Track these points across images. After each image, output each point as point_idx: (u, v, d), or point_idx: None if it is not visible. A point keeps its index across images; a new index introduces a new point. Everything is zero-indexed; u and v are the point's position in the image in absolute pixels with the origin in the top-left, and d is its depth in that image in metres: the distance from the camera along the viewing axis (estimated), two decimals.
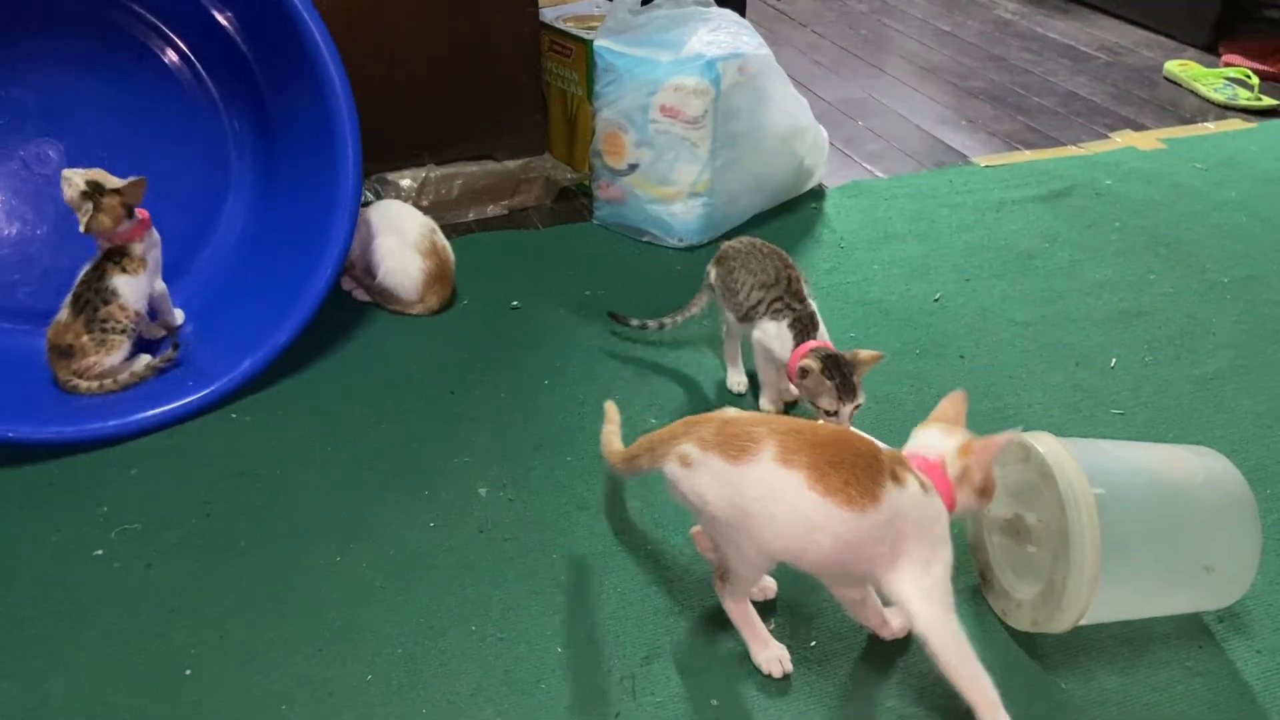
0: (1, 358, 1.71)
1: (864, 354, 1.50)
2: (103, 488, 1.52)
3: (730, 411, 1.20)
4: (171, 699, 1.21)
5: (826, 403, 1.49)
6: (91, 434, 1.59)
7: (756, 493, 1.12)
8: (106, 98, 1.87)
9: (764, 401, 1.71)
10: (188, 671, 1.24)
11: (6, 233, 1.83)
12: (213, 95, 1.94)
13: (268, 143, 1.93)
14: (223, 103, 1.95)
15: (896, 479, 1.13)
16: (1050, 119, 2.89)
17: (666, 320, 1.80)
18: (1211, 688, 1.25)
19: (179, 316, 1.82)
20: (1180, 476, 1.30)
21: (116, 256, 1.68)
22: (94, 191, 1.62)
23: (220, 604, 1.34)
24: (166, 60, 1.91)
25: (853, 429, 1.22)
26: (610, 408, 1.38)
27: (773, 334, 1.61)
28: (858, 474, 1.11)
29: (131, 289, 1.68)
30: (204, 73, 1.93)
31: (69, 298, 1.66)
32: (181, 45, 1.92)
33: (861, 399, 1.50)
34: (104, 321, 1.65)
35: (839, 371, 1.48)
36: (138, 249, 1.69)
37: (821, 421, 1.49)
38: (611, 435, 1.35)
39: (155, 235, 1.72)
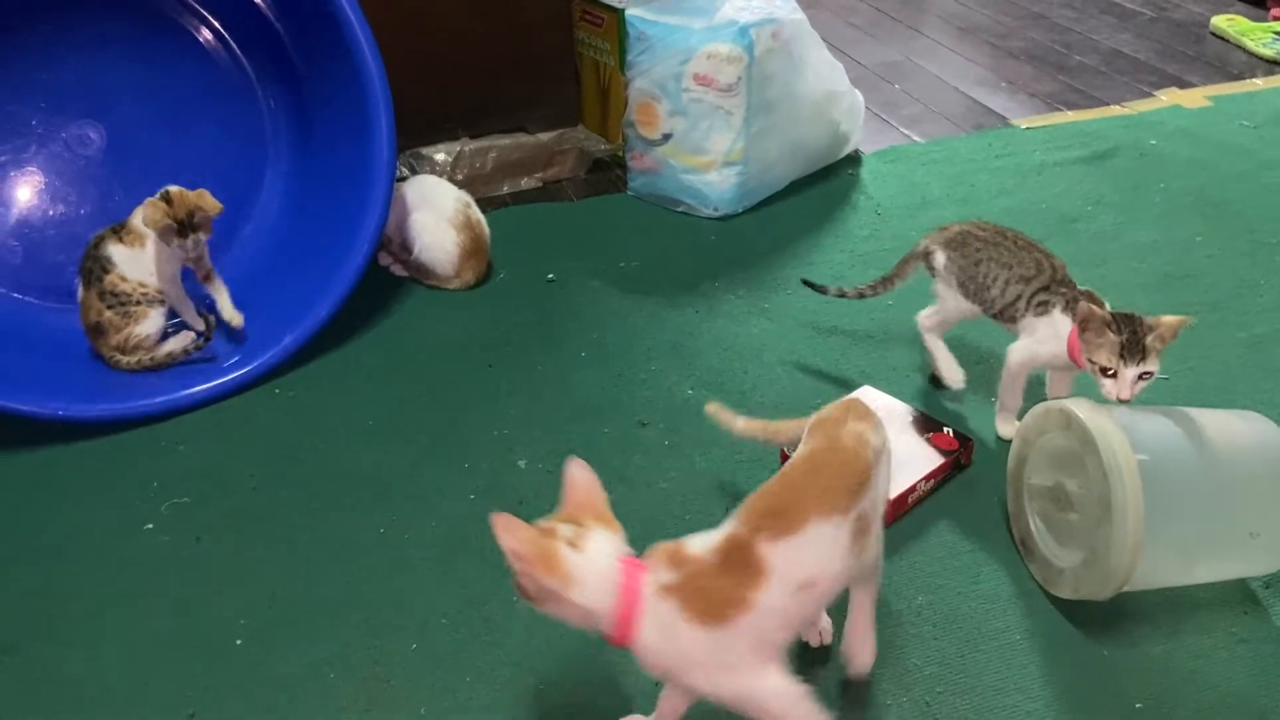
0: (51, 337, 1.75)
1: (1169, 318, 1.30)
2: (153, 463, 1.56)
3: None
4: (222, 668, 1.24)
5: (1104, 357, 1.31)
6: (140, 411, 1.62)
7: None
8: (144, 78, 1.90)
9: (1001, 426, 1.56)
10: (238, 641, 1.27)
11: (51, 214, 1.87)
12: (248, 73, 1.96)
13: (303, 120, 1.94)
14: (258, 81, 1.96)
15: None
16: (1093, 78, 2.83)
17: (866, 289, 1.70)
18: (1257, 654, 1.23)
19: (199, 324, 1.79)
20: (1226, 441, 1.28)
21: (117, 226, 1.70)
22: (163, 198, 1.66)
23: (268, 575, 1.37)
24: (202, 39, 1.93)
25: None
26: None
27: (1044, 336, 1.43)
28: None
29: (127, 260, 1.69)
30: (239, 51, 1.95)
31: (81, 273, 1.70)
32: (216, 24, 1.93)
33: (1153, 366, 1.30)
34: (114, 294, 1.67)
35: (1128, 326, 1.30)
36: (138, 224, 1.69)
37: (1101, 383, 1.32)
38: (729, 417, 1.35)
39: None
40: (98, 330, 1.69)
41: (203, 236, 1.68)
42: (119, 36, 1.87)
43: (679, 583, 0.96)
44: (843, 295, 1.74)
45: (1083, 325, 1.33)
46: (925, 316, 1.65)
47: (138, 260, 1.70)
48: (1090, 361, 1.33)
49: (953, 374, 1.63)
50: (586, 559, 0.96)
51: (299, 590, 1.34)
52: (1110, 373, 1.31)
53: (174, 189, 1.67)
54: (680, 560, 0.99)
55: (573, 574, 0.95)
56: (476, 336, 1.83)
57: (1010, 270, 1.49)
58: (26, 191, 1.85)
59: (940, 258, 1.58)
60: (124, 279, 1.68)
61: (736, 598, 0.95)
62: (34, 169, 1.86)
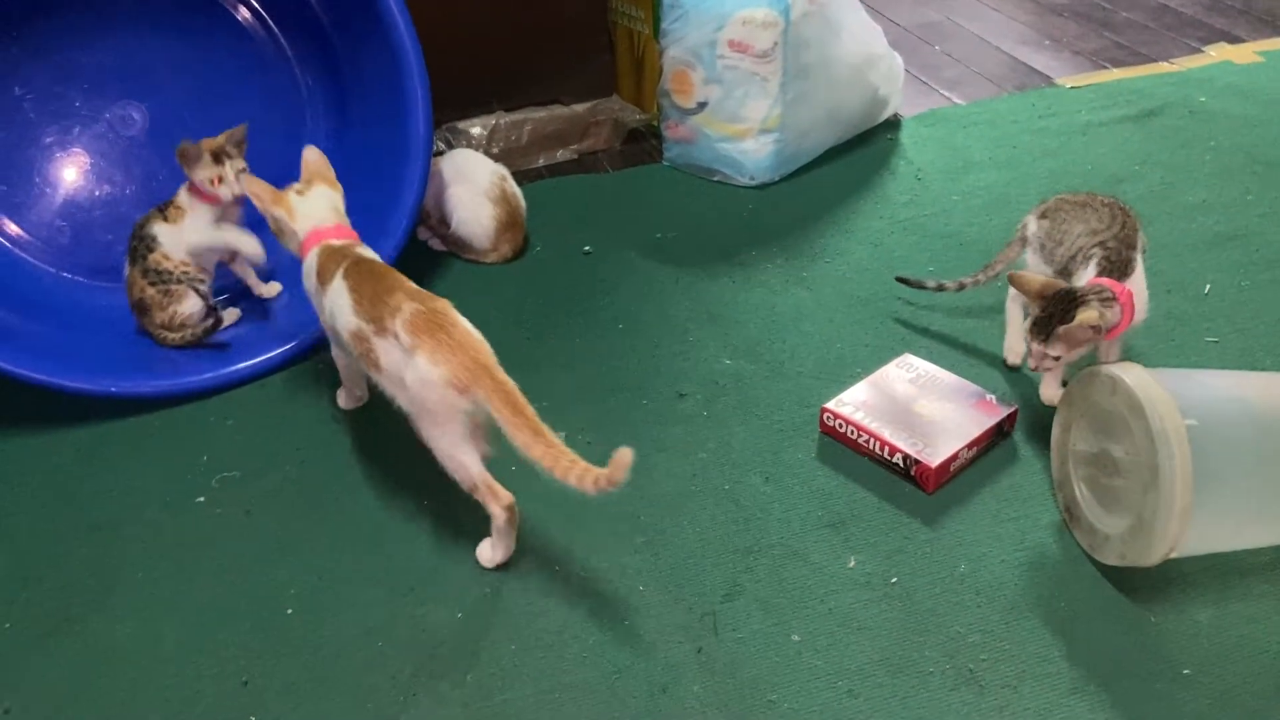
0: (100, 315, 1.78)
1: (1084, 315, 1.31)
2: (202, 438, 1.59)
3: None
4: (275, 636, 1.27)
5: (1027, 324, 1.38)
6: (189, 387, 1.65)
7: None
8: (184, 58, 1.92)
9: (1045, 389, 1.54)
10: (289, 611, 1.30)
11: (97, 194, 1.90)
12: (285, 52, 1.97)
13: (340, 97, 1.95)
14: (295, 59, 1.97)
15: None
16: (1139, 34, 2.76)
17: (967, 280, 1.68)
18: None
19: (268, 290, 1.84)
20: (1276, 405, 1.25)
21: (163, 205, 1.73)
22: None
23: (316, 546, 1.39)
24: (240, 18, 1.94)
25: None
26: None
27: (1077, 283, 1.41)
28: None
29: (170, 237, 1.71)
30: (276, 30, 1.96)
31: (128, 252, 1.73)
32: (254, 2, 1.94)
33: (1058, 352, 1.34)
34: (157, 271, 1.70)
35: (1051, 306, 1.34)
36: (183, 200, 1.72)
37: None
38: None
39: (200, 210, 1.72)
40: (141, 307, 1.72)
41: (241, 164, 1.69)
42: (159, 17, 1.89)
43: (328, 249, 1.46)
44: (942, 289, 1.72)
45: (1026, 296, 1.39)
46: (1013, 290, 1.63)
47: (177, 236, 1.72)
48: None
49: (1013, 349, 1.62)
50: (305, 200, 1.50)
51: (346, 561, 1.37)
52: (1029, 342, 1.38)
53: None
54: (345, 241, 1.49)
55: (293, 209, 1.49)
56: (514, 309, 1.84)
57: (1086, 224, 1.47)
58: (73, 172, 1.89)
59: (1033, 226, 1.57)
60: (167, 257, 1.71)
61: (327, 273, 1.42)
62: (79, 150, 1.89)
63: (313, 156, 1.55)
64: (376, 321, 1.32)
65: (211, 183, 1.68)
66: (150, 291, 1.71)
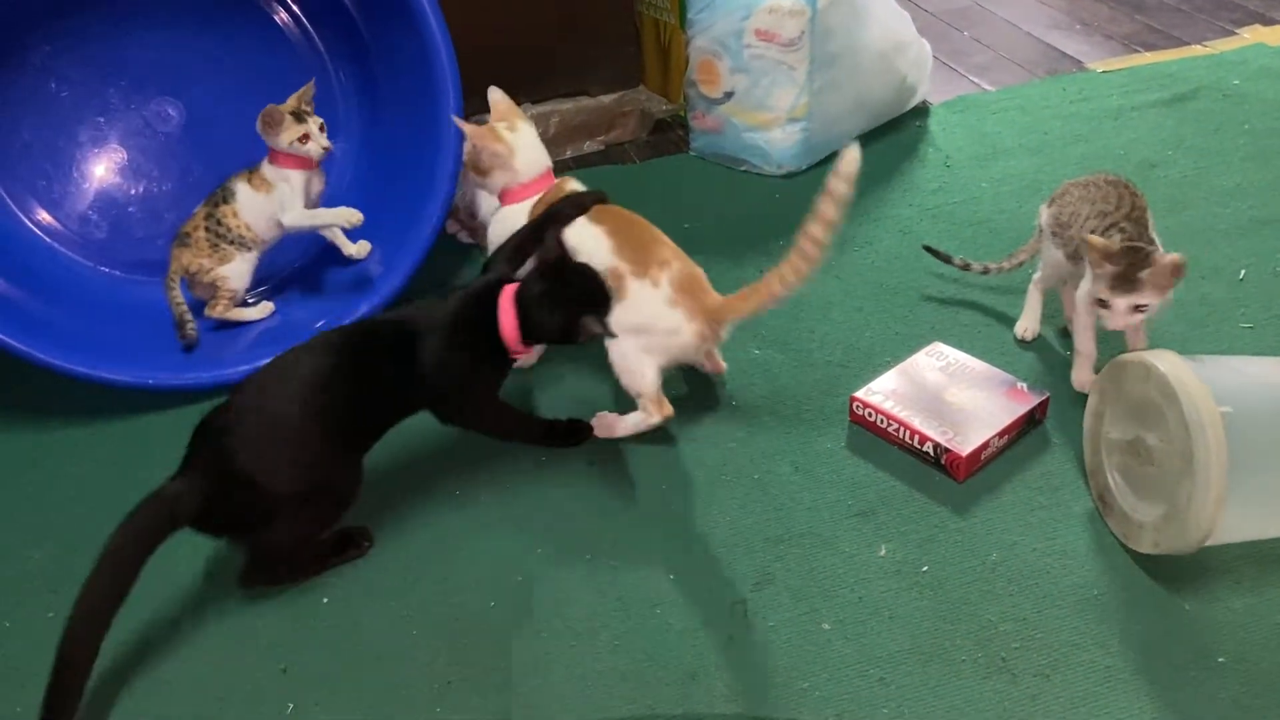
0: (138, 309, 1.81)
1: (1168, 259, 1.30)
2: None
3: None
4: (310, 623, 1.29)
5: (1099, 288, 1.34)
6: (226, 379, 1.66)
7: None
8: (219, 54, 1.94)
9: (1076, 374, 1.53)
10: (324, 600, 1.32)
11: (134, 191, 1.93)
12: (318, 47, 1.99)
13: (372, 93, 1.97)
14: (328, 54, 1.99)
15: None
16: (1172, 17, 2.72)
17: (991, 265, 1.70)
18: None
19: (359, 250, 1.87)
20: None
21: (252, 169, 1.77)
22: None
23: None
24: (273, 15, 1.96)
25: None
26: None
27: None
28: None
29: (248, 201, 1.75)
30: (309, 25, 1.98)
31: (210, 193, 1.79)
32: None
33: (1147, 299, 1.32)
34: (219, 222, 1.74)
35: (1126, 259, 1.31)
36: (267, 172, 1.76)
37: (1100, 315, 1.38)
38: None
39: (291, 178, 1.75)
40: (182, 240, 1.76)
41: (319, 120, 1.73)
42: (194, 13, 1.91)
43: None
44: (967, 268, 1.74)
45: (1090, 257, 1.35)
46: (1036, 274, 1.64)
47: (256, 205, 1.76)
48: (1091, 295, 1.36)
49: (1024, 326, 1.64)
50: (521, 138, 1.56)
51: (380, 549, 1.38)
52: (1105, 305, 1.34)
53: None
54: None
55: (513, 144, 1.55)
56: None
57: (1092, 205, 1.46)
58: (110, 169, 1.92)
59: (1044, 215, 1.57)
60: (235, 214, 1.75)
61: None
62: (116, 146, 1.92)
63: (499, 98, 1.58)
64: (638, 265, 1.44)
65: (301, 141, 1.72)
66: (201, 234, 1.74)
